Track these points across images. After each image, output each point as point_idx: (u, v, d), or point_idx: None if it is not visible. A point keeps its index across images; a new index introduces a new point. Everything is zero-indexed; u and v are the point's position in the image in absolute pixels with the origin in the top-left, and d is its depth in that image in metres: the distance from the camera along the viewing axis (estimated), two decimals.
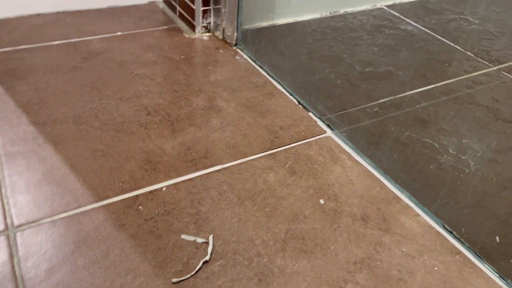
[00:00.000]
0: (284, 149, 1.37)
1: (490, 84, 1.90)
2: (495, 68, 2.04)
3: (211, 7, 1.93)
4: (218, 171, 1.26)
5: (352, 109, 1.63)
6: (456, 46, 2.21)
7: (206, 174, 1.24)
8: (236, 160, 1.30)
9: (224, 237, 1.06)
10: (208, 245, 1.03)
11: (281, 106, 1.57)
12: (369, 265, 1.04)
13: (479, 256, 1.08)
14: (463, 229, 1.15)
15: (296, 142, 1.41)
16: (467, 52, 2.15)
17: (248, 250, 1.04)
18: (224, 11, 1.91)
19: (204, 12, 1.94)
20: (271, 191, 1.21)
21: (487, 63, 2.07)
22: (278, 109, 1.56)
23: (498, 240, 1.14)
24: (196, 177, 1.23)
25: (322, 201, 1.20)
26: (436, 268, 1.05)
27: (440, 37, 2.27)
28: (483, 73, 1.98)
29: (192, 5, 1.93)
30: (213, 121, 1.45)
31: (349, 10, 2.43)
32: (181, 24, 2.06)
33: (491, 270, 1.05)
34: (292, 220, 1.13)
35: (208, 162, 1.28)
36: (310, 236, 1.09)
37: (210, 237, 1.05)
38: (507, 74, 2.00)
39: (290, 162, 1.32)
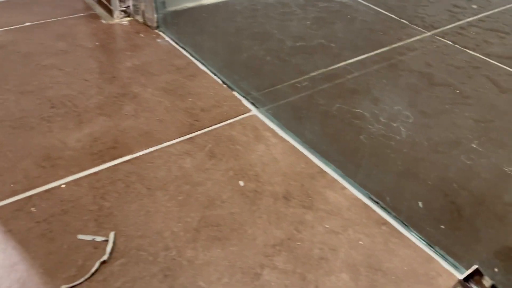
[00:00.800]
0: (204, 132, 1.27)
1: (424, 50, 1.86)
2: (429, 33, 2.00)
3: None
4: (127, 161, 1.14)
5: (280, 85, 1.54)
6: (391, 15, 2.15)
7: (113, 166, 1.12)
8: (148, 148, 1.19)
9: (128, 233, 0.96)
10: (108, 244, 0.92)
11: (204, 87, 1.47)
12: (289, 246, 0.96)
13: (406, 225, 1.02)
14: (387, 198, 1.09)
15: (218, 124, 1.31)
16: (402, 20, 2.11)
17: (155, 245, 0.94)
18: None
19: None
20: (187, 177, 1.11)
21: (421, 29, 2.03)
22: (201, 90, 1.45)
23: (421, 206, 1.08)
24: (102, 170, 1.11)
25: (241, 183, 1.11)
26: (361, 242, 0.98)
27: (375, 7, 2.22)
28: (417, 40, 1.94)
29: None
30: (126, 108, 1.33)
31: None
32: (99, 10, 1.91)
33: (418, 238, 0.99)
34: (208, 207, 1.03)
35: (116, 152, 1.17)
36: (226, 222, 1.00)
37: (111, 234, 0.94)
38: (440, 38, 1.96)
39: (210, 145, 1.22)
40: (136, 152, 1.17)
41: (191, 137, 1.24)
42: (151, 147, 1.19)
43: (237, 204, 1.05)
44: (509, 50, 1.90)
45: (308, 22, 2.00)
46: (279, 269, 0.90)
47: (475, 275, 0.84)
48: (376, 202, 1.08)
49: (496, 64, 1.78)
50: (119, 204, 1.02)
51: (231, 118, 1.33)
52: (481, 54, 1.85)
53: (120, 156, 1.15)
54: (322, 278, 0.89)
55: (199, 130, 1.27)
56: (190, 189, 1.08)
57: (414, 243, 0.98)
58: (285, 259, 0.93)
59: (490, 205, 1.12)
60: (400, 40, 1.92)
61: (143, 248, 0.93)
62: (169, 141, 1.22)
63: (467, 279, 0.84)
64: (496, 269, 0.93)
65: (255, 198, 1.07)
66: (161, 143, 1.21)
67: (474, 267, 0.84)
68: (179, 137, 1.24)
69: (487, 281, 0.83)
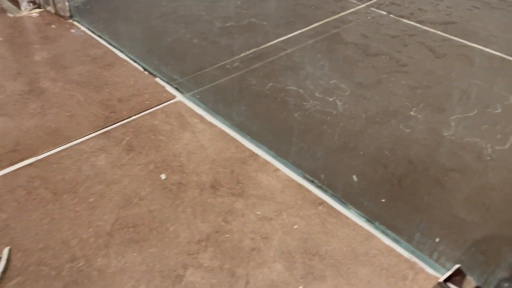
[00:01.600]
0: (122, 124, 1.14)
1: (359, 21, 1.80)
2: (364, 5, 1.94)
3: None
4: (30, 164, 1.00)
5: (208, 68, 1.43)
6: None
7: (12, 171, 0.98)
8: (56, 148, 1.05)
9: (28, 246, 0.82)
10: (0, 262, 0.78)
11: (123, 76, 1.33)
12: (216, 240, 0.85)
13: (344, 202, 0.94)
14: (322, 176, 1.01)
15: (138, 114, 1.18)
16: None
17: (59, 256, 0.80)
18: None
19: None
20: (100, 176, 0.98)
21: (355, 2, 1.97)
22: (119, 79, 1.31)
23: (356, 179, 1.01)
24: None
25: (163, 176, 0.99)
26: (296, 226, 0.89)
27: None
28: (352, 12, 1.88)
29: None
30: (32, 106, 1.18)
31: None
32: (6, 4, 1.72)
33: (357, 215, 0.92)
34: (124, 207, 0.91)
35: (17, 156, 1.02)
36: (144, 221, 0.88)
37: (5, 251, 0.80)
38: (375, 9, 1.91)
39: (128, 138, 1.09)
40: (41, 154, 1.03)
41: (106, 131, 1.11)
42: (59, 146, 1.05)
43: (158, 200, 0.93)
44: (443, 16, 1.88)
45: (238, 2, 1.90)
46: (204, 267, 0.80)
47: (456, 276, 0.76)
48: (312, 181, 0.99)
49: (430, 31, 1.75)
50: (17, 215, 0.88)
51: (153, 107, 1.21)
52: (416, 22, 1.81)
53: (22, 160, 1.01)
54: (253, 272, 0.80)
55: (115, 123, 1.14)
56: (103, 189, 0.95)
57: (353, 221, 0.91)
58: (211, 255, 0.82)
59: (431, 172, 1.06)
60: (334, 13, 1.85)
61: (45, 262, 0.79)
62: (81, 137, 1.08)
63: (447, 279, 0.75)
64: (437, 239, 0.87)
65: (179, 191, 0.96)
66: (70, 141, 1.07)
67: (456, 267, 0.76)
68: (93, 132, 1.10)
69: (469, 283, 0.75)
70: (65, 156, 1.03)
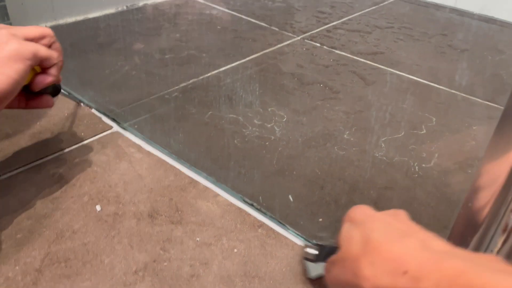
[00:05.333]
0: (54, 157, 1.10)
1: (294, 52, 1.88)
2: (299, 38, 2.05)
3: None
4: None
5: (147, 99, 1.43)
6: (261, 23, 2.18)
7: None
8: None
9: None
10: None
11: (55, 109, 1.29)
12: (154, 269, 0.83)
13: (282, 223, 0.96)
14: (261, 199, 1.02)
15: (72, 146, 1.14)
16: (272, 27, 2.14)
17: None
18: None
19: None
20: (29, 211, 0.93)
21: (291, 35, 2.07)
22: (52, 112, 1.27)
23: (291, 199, 1.03)
24: None
25: (98, 208, 0.96)
26: (235, 250, 0.89)
27: (245, 17, 2.23)
28: (287, 44, 1.97)
29: None
30: None
31: (149, 2, 2.25)
32: None
33: (295, 235, 0.93)
34: (54, 241, 0.87)
35: None
36: (77, 255, 0.84)
37: None
38: (309, 41, 2.02)
39: (60, 171, 1.05)
40: None
41: (37, 165, 1.07)
42: None
43: (92, 232, 0.90)
44: (371, 47, 2.01)
45: (177, 35, 1.93)
46: None
47: None
48: (251, 204, 1.00)
49: (361, 60, 1.86)
50: None
51: (88, 138, 1.18)
52: (347, 53, 1.93)
53: None
54: None
55: (46, 157, 1.10)
56: (32, 225, 0.90)
57: (292, 241, 0.92)
58: (149, 284, 0.80)
59: (365, 190, 1.11)
60: (271, 45, 1.93)
61: None
62: (9, 172, 1.03)
63: None
64: None
65: (115, 222, 0.93)
66: None
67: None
68: (23, 166, 1.05)
69: None
70: None
